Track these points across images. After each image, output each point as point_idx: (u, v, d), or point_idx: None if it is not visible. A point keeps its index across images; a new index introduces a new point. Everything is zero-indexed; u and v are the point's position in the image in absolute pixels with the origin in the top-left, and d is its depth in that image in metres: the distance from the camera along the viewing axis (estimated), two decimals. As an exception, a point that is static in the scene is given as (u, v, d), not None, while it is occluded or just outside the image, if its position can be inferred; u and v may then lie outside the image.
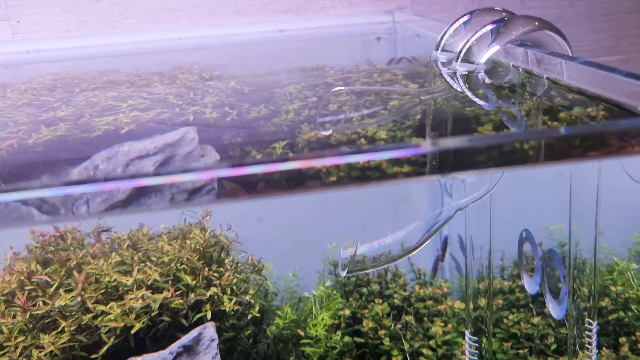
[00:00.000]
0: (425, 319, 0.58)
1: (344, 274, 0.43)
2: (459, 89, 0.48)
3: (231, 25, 0.87)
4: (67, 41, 0.87)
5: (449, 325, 0.56)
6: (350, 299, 0.60)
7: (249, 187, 0.35)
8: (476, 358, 0.47)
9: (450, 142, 0.30)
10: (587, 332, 0.44)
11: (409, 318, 0.57)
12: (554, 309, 0.42)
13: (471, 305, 0.50)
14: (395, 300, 0.60)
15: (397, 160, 0.31)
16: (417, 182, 0.42)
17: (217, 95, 0.57)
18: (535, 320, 0.53)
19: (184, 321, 0.51)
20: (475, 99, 0.48)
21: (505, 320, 0.55)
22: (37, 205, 0.35)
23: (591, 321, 0.42)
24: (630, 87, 0.41)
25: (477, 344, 0.47)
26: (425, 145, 0.30)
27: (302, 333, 0.56)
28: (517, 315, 0.55)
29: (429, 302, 0.58)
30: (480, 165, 0.31)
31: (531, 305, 0.57)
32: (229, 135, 0.49)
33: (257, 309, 0.54)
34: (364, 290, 0.61)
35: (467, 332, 0.49)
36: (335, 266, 0.64)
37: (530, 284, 0.44)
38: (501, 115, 0.44)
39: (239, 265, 0.59)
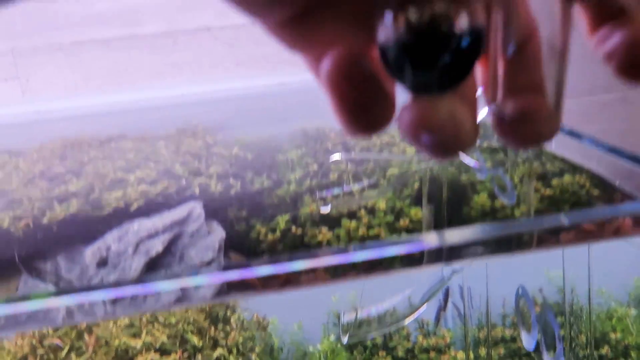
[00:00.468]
0: (429, 370, 0.60)
1: (345, 340, 0.45)
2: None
3: (232, 79, 0.90)
4: (75, 100, 0.90)
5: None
6: (355, 352, 0.62)
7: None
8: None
9: (454, 236, 0.32)
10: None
11: (413, 370, 0.59)
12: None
13: (472, 355, 0.52)
14: (399, 352, 0.62)
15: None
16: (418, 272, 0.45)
17: (221, 164, 0.59)
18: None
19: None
20: (469, 162, 0.50)
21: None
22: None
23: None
24: (607, 159, 0.43)
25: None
26: (429, 240, 0.32)
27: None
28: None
29: (432, 353, 0.60)
30: (479, 254, 0.33)
31: (532, 354, 0.59)
32: (234, 208, 0.52)
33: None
34: (368, 343, 0.63)
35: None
36: (339, 318, 0.66)
37: (527, 340, 0.46)
38: (493, 186, 0.47)
39: (245, 322, 0.61)
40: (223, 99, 0.86)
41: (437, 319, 0.68)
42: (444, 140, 0.16)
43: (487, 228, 0.32)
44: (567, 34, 0.17)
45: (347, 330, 0.44)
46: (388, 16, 0.16)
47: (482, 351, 0.57)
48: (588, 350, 0.50)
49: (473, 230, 0.32)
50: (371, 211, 0.47)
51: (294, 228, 0.48)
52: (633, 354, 0.54)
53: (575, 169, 0.47)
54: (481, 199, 0.49)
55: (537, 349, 0.57)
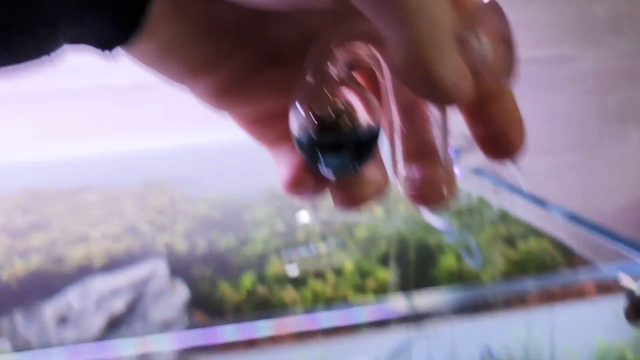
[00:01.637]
0: None
1: None
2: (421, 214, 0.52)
3: (202, 132, 0.91)
4: (41, 150, 0.89)
5: None
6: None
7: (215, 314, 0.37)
8: None
9: (422, 300, 0.33)
10: None
11: None
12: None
13: None
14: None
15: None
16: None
17: (187, 221, 0.59)
18: None
19: None
20: (437, 225, 0.51)
21: None
22: None
23: None
24: (567, 226, 0.45)
25: None
26: (398, 304, 0.33)
27: None
28: None
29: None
30: (447, 316, 0.34)
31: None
32: (199, 267, 0.52)
33: None
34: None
35: None
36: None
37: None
38: (460, 248, 0.48)
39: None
40: (192, 152, 0.87)
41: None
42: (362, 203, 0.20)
43: (455, 291, 0.32)
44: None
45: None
46: (298, 115, 0.19)
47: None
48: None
49: (441, 294, 0.32)
50: (338, 272, 0.48)
51: (259, 288, 0.48)
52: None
53: (538, 233, 0.48)
54: (448, 261, 0.50)
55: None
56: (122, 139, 0.90)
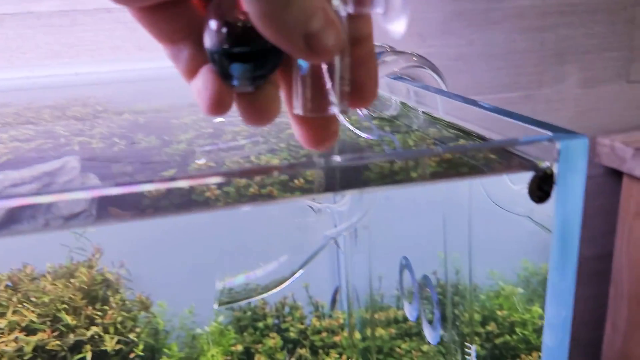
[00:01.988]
0: (321, 351, 0.58)
1: (216, 306, 0.42)
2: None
3: (134, 61, 0.86)
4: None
5: (344, 357, 0.56)
6: (245, 333, 0.59)
7: (132, 209, 0.35)
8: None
9: (342, 160, 0.31)
10: (466, 357, 0.46)
11: (303, 351, 0.57)
12: (429, 334, 0.43)
13: (359, 335, 0.51)
14: (292, 334, 0.59)
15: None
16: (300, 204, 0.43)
17: (107, 126, 0.56)
18: (425, 347, 0.54)
19: (62, 363, 0.49)
20: (357, 131, 0.49)
21: (397, 349, 0.56)
22: None
23: (470, 345, 0.44)
24: (498, 122, 0.43)
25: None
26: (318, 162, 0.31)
27: (194, 371, 0.55)
28: (409, 343, 0.56)
29: (325, 334, 0.58)
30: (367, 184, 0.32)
31: (423, 333, 0.58)
32: (118, 165, 0.48)
33: (141, 347, 0.52)
34: (260, 324, 0.61)
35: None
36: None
37: (410, 311, 0.45)
38: (383, 146, 0.46)
39: (127, 303, 0.57)
40: (123, 80, 0.82)
41: (333, 302, 0.66)
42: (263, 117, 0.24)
43: (376, 156, 0.30)
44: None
45: (220, 296, 0.42)
46: (212, 29, 0.21)
47: (376, 331, 0.56)
48: (470, 329, 0.50)
49: (361, 159, 0.30)
50: (265, 171, 0.45)
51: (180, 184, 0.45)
52: (518, 329, 0.55)
53: (467, 133, 0.47)
54: (391, 165, 0.48)
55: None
56: (49, 67, 0.85)
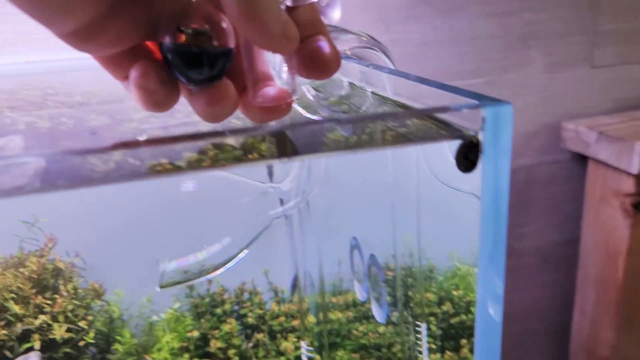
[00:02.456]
0: (279, 335, 0.58)
1: (158, 288, 0.42)
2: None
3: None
4: None
5: (300, 341, 0.56)
6: (203, 320, 0.58)
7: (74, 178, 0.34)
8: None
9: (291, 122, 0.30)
10: (417, 336, 0.45)
11: (261, 336, 0.56)
12: (377, 313, 0.42)
13: (313, 319, 0.50)
14: (250, 319, 0.59)
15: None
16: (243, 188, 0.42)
17: (57, 107, 0.54)
18: (382, 329, 0.54)
19: (8, 353, 0.48)
20: (308, 115, 0.49)
21: (355, 331, 0.56)
22: None
23: (420, 324, 0.43)
24: (443, 97, 0.43)
25: (312, 355, 0.47)
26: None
27: (149, 358, 0.54)
28: (366, 326, 0.56)
29: (283, 319, 0.58)
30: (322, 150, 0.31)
31: (390, 316, 0.58)
32: (66, 143, 0.47)
33: (91, 335, 0.51)
34: (218, 310, 0.60)
35: (302, 344, 0.48)
36: (191, 289, 0.62)
37: (360, 291, 0.45)
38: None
39: (80, 291, 0.56)
40: (77, 69, 0.81)
41: (293, 286, 0.66)
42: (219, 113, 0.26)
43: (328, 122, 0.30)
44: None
45: (162, 279, 0.41)
46: (167, 36, 0.24)
47: (333, 315, 0.56)
48: (421, 309, 0.50)
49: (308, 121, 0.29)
50: (218, 146, 0.45)
51: (131, 159, 0.44)
52: (473, 309, 0.54)
53: (421, 112, 0.47)
54: (335, 135, 0.47)
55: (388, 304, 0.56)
56: (2, 54, 0.83)
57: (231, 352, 0.54)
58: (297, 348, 0.55)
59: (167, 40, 0.24)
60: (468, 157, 0.26)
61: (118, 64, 0.26)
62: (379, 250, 0.47)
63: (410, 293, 0.47)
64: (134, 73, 0.25)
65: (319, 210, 0.53)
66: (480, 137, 0.26)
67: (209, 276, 0.41)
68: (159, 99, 0.26)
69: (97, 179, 0.30)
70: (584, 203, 0.97)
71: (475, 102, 0.26)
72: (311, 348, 0.48)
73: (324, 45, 0.26)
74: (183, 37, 0.24)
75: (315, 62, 0.25)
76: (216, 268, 0.40)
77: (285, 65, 0.28)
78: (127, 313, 0.62)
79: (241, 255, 0.41)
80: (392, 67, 0.50)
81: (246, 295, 0.63)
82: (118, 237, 0.64)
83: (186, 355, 0.54)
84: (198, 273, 0.41)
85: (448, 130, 0.27)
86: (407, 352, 0.48)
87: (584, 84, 0.95)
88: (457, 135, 0.26)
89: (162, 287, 0.40)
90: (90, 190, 0.47)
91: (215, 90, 0.25)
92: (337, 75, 0.53)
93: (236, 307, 0.61)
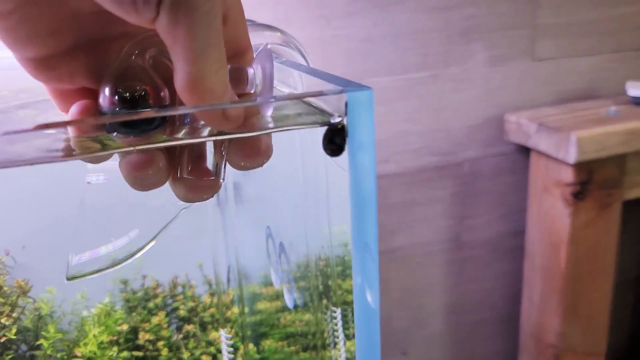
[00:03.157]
0: (210, 326, 0.58)
1: (66, 281, 0.42)
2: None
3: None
4: None
5: (233, 331, 0.57)
6: (134, 313, 0.59)
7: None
8: (232, 356, 0.48)
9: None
10: (334, 320, 0.46)
11: (191, 327, 0.57)
12: (287, 299, 0.43)
13: (237, 310, 0.51)
14: (182, 312, 0.59)
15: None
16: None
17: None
18: (307, 316, 0.55)
19: None
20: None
21: (282, 320, 0.56)
22: None
23: (335, 309, 0.44)
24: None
25: (232, 342, 0.48)
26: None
27: (78, 353, 0.54)
28: (294, 315, 0.57)
29: (213, 310, 0.58)
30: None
31: (309, 304, 0.58)
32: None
33: (13, 331, 0.51)
34: (150, 304, 0.60)
35: (222, 332, 0.49)
36: (124, 283, 0.63)
37: (275, 279, 0.46)
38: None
39: (5, 289, 0.56)
40: (7, 67, 0.80)
41: (228, 278, 0.66)
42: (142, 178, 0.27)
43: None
44: None
45: (69, 271, 0.41)
46: (105, 94, 0.25)
47: (260, 305, 0.56)
48: (335, 297, 0.51)
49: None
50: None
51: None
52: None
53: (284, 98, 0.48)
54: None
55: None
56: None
57: (160, 343, 0.55)
58: (231, 338, 0.56)
59: (103, 96, 0.25)
60: (334, 141, 0.27)
61: (66, 98, 0.28)
62: (298, 239, 0.48)
63: (330, 282, 0.48)
64: (73, 109, 0.27)
65: (248, 200, 0.54)
66: (345, 121, 0.27)
67: (118, 267, 0.42)
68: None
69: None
70: (528, 194, 0.99)
71: (339, 88, 0.27)
72: (230, 336, 0.49)
73: (259, 139, 0.28)
74: (117, 98, 0.25)
75: (246, 151, 0.28)
76: (126, 259, 0.41)
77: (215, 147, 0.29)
78: (61, 310, 0.62)
79: (149, 245, 0.41)
80: (305, 64, 0.51)
81: (179, 289, 0.63)
82: (49, 234, 0.64)
83: (115, 348, 0.54)
84: (108, 264, 0.42)
85: (316, 117, 0.28)
86: (328, 338, 0.49)
87: (526, 77, 0.97)
88: (326, 121, 0.27)
89: (69, 279, 0.41)
90: (20, 188, 0.47)
91: (141, 155, 0.26)
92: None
93: (170, 301, 0.62)
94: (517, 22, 0.93)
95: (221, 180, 0.29)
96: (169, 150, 0.28)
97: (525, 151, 0.99)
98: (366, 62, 0.87)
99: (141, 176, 0.27)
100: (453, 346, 1.09)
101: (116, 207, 0.44)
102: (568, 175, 0.88)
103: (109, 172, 0.36)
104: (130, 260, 0.42)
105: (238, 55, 0.29)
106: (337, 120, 0.28)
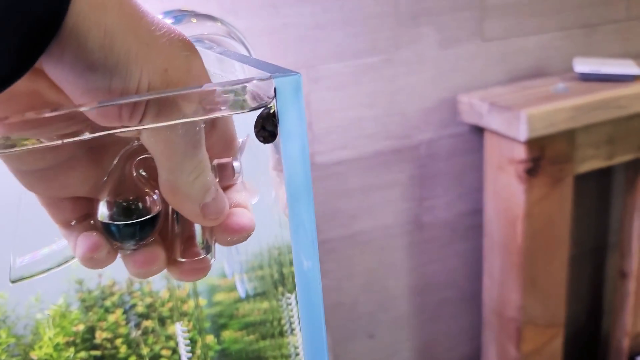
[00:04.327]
0: (169, 320, 0.58)
1: (10, 283, 0.41)
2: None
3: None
4: None
5: (191, 324, 0.56)
6: (90, 313, 0.58)
7: None
8: (189, 348, 0.48)
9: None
10: (289, 307, 0.47)
11: (149, 323, 0.57)
12: (240, 289, 0.44)
13: (193, 303, 0.51)
14: (140, 308, 0.59)
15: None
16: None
17: None
18: (264, 305, 0.55)
19: None
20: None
21: (240, 310, 0.57)
22: None
23: (290, 295, 0.45)
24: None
25: (189, 334, 0.48)
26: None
27: (34, 356, 0.53)
28: (252, 304, 0.57)
29: (171, 304, 0.58)
30: None
31: (268, 293, 0.59)
32: None
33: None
34: (107, 302, 0.60)
35: (177, 325, 0.49)
36: (80, 283, 0.62)
37: (228, 270, 0.46)
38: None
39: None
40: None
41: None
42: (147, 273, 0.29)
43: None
44: None
45: (12, 274, 0.41)
46: (103, 203, 0.28)
47: (218, 297, 0.56)
48: (284, 288, 0.51)
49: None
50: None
51: None
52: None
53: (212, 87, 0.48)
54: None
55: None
56: None
57: (118, 341, 0.55)
58: (188, 331, 0.56)
59: (100, 211, 0.28)
60: (265, 128, 0.27)
61: (59, 207, 0.29)
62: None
63: (284, 269, 0.48)
64: (84, 244, 0.28)
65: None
66: (275, 107, 0.27)
67: (68, 264, 0.41)
68: (100, 260, 0.29)
69: None
70: (484, 172, 1.01)
71: (268, 74, 0.27)
72: (185, 328, 0.49)
73: (242, 216, 0.30)
74: (113, 209, 0.28)
75: (229, 230, 0.30)
76: (70, 259, 0.40)
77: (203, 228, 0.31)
78: (14, 314, 0.61)
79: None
80: (248, 53, 0.51)
81: (137, 285, 0.63)
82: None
83: (72, 349, 0.54)
84: (57, 263, 0.41)
85: (246, 104, 0.28)
86: (285, 325, 0.50)
87: (476, 58, 0.98)
88: (255, 107, 0.27)
89: (13, 281, 0.40)
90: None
91: (144, 254, 0.28)
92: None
93: (127, 298, 0.61)
94: (465, 3, 0.95)
95: (213, 260, 0.31)
96: (161, 234, 0.30)
97: (479, 131, 1.01)
98: (317, 50, 0.87)
99: (145, 272, 0.29)
100: (419, 326, 1.10)
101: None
102: (520, 153, 0.90)
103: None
104: (74, 260, 0.41)
105: (227, 150, 0.31)
106: (267, 106, 0.28)
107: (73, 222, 0.29)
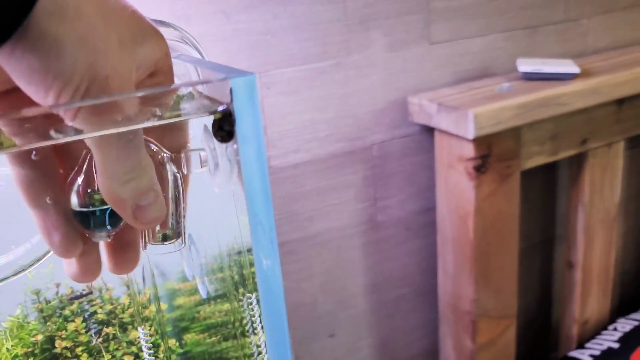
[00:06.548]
0: (130, 326, 0.58)
1: None
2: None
3: None
4: None
5: (152, 329, 0.57)
6: (49, 323, 0.58)
7: None
8: (152, 351, 0.48)
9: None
10: (250, 307, 0.48)
11: (110, 329, 0.57)
12: (201, 290, 0.45)
13: (154, 308, 0.52)
14: (100, 315, 0.59)
15: None
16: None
17: None
18: (225, 306, 0.56)
19: None
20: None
21: (201, 313, 0.57)
22: None
23: (250, 295, 0.46)
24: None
25: (151, 339, 0.49)
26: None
27: (-9, 370, 0.53)
28: (213, 306, 0.58)
29: (131, 310, 0.58)
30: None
31: (229, 295, 0.59)
32: None
33: None
34: (66, 312, 0.59)
35: (139, 329, 0.50)
36: (36, 293, 0.61)
37: (188, 272, 0.47)
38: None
39: None
40: None
41: (143, 277, 0.66)
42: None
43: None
44: None
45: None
46: (74, 195, 0.31)
47: (179, 300, 0.57)
48: (245, 288, 0.52)
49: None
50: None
51: None
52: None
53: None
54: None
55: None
56: None
57: (79, 349, 0.54)
58: (150, 335, 0.56)
59: (72, 201, 0.31)
60: (223, 128, 0.28)
61: (34, 189, 0.31)
62: (208, 230, 0.49)
63: (244, 271, 0.49)
64: (55, 237, 0.31)
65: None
66: (232, 107, 0.28)
67: (26, 272, 0.41)
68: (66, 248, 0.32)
69: None
70: (435, 171, 1.04)
71: (223, 75, 0.28)
72: (147, 332, 0.50)
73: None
74: (84, 199, 0.30)
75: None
76: (32, 264, 0.41)
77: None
78: (-30, 327, 0.60)
79: (50, 253, 0.41)
80: (201, 53, 0.52)
81: (96, 293, 0.62)
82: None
83: (31, 360, 0.53)
84: (13, 272, 0.41)
85: (206, 106, 0.29)
86: (247, 325, 0.50)
87: (424, 60, 1.01)
88: (212, 109, 0.28)
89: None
90: None
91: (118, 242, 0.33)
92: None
93: (87, 306, 0.61)
94: (412, 7, 0.97)
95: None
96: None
97: (429, 131, 1.04)
98: (268, 55, 0.89)
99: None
100: (378, 323, 1.13)
101: (14, 214, 0.43)
102: (469, 151, 0.94)
103: (3, 178, 0.36)
104: (37, 265, 0.41)
105: (184, 141, 0.35)
106: (223, 107, 0.29)
107: (48, 200, 0.31)
